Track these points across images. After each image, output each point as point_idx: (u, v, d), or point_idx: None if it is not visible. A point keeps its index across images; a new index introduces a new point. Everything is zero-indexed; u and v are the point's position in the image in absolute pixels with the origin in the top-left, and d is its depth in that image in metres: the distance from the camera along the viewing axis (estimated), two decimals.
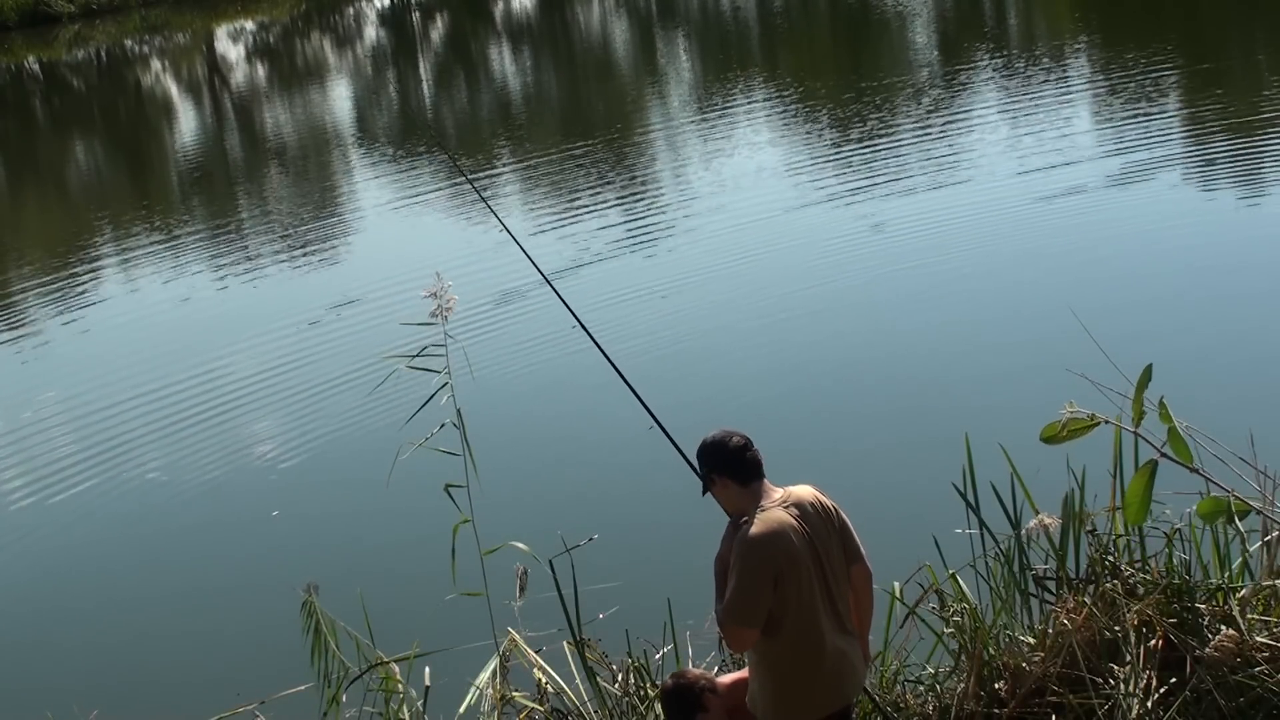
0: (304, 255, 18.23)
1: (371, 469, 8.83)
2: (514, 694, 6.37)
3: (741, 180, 18.79)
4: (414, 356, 6.15)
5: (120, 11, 55.91)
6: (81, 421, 12.73)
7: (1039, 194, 15.59)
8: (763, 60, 32.27)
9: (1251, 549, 5.81)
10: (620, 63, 36.43)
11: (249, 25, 54.18)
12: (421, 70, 40.18)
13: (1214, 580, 5.74)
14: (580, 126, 26.10)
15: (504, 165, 22.60)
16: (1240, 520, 4.95)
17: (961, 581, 6.12)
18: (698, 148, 22.01)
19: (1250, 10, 27.71)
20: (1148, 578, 5.76)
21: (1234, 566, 5.84)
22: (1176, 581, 5.67)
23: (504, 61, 38.35)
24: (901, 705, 5.92)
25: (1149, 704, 5.33)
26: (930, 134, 19.77)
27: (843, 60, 30.96)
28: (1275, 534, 5.64)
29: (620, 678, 6.35)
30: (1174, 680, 5.41)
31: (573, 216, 17.82)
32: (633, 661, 6.38)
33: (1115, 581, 5.74)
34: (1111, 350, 5.97)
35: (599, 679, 6.33)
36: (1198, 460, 4.68)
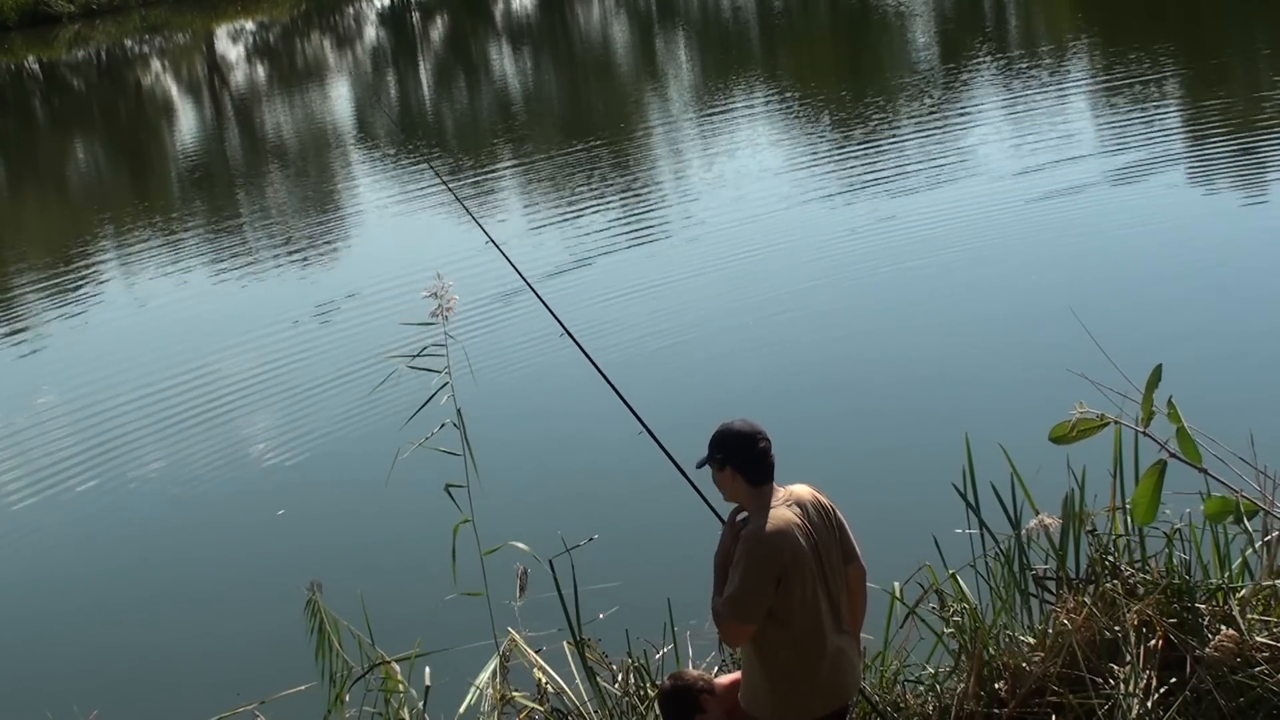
0: (303, 254, 18.22)
1: (372, 469, 8.83)
2: (514, 694, 6.37)
3: (741, 179, 18.79)
4: (415, 356, 6.15)
5: (120, 11, 55.90)
6: (81, 420, 12.73)
7: (1039, 193, 15.59)
8: (762, 60, 32.27)
9: (1255, 548, 5.81)
10: (620, 62, 36.43)
11: (249, 25, 54.18)
12: (421, 70, 40.18)
13: (1214, 580, 5.75)
14: (579, 126, 26.11)
15: (503, 164, 22.59)
16: (1248, 520, 4.94)
17: (961, 581, 6.12)
18: (697, 147, 22.02)
19: (1251, 9, 27.71)
20: (1148, 578, 5.77)
21: (1234, 566, 5.84)
22: (1176, 581, 5.67)
23: (504, 61, 38.34)
24: (901, 705, 5.92)
25: (1149, 704, 5.34)
26: (930, 133, 19.77)
27: (842, 60, 30.97)
28: (1275, 534, 5.64)
29: (620, 678, 6.35)
30: (1174, 680, 5.41)
31: (571, 215, 17.82)
32: (633, 661, 6.38)
33: (1115, 581, 5.74)
34: (1111, 350, 5.97)
35: (599, 679, 6.33)
36: (1201, 460, 4.67)
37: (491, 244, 6.48)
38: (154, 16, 55.84)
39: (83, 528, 10.73)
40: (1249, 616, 5.50)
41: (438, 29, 50.03)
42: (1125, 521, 5.97)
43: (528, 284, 6.38)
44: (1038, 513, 5.90)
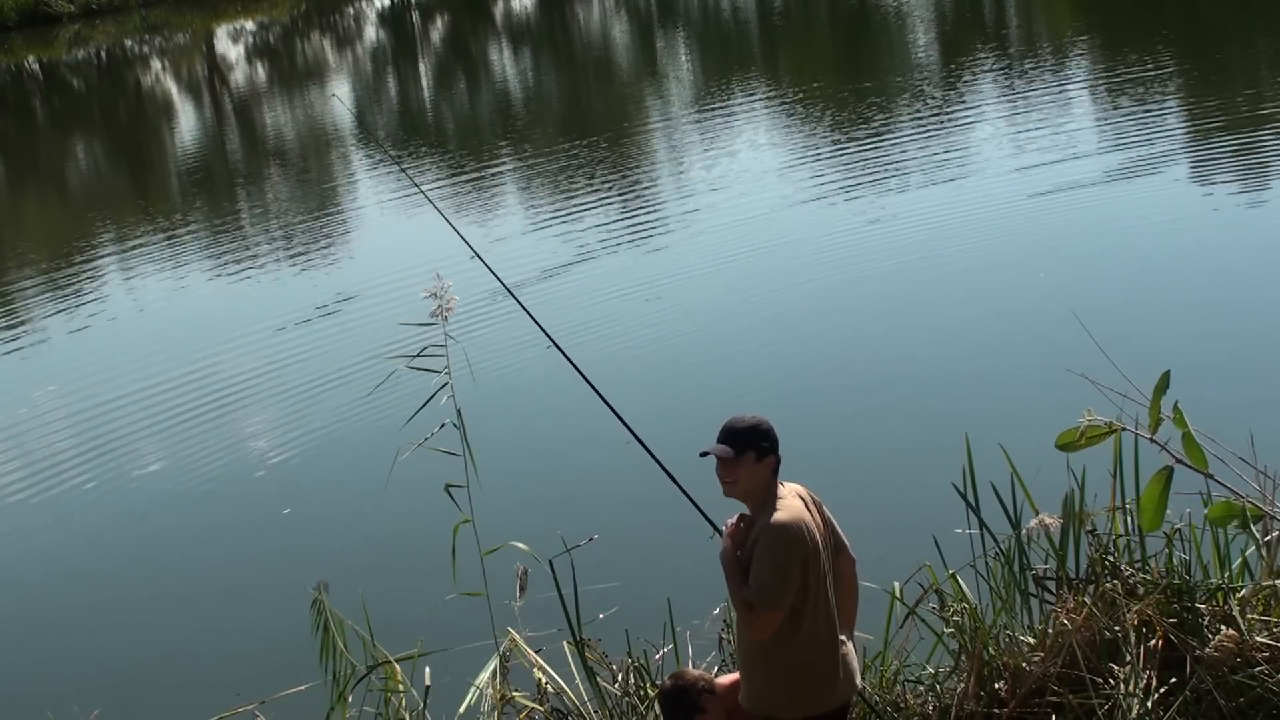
0: (303, 254, 18.22)
1: (372, 469, 8.84)
2: (514, 694, 6.37)
3: (740, 178, 18.79)
4: (414, 357, 6.15)
5: (120, 11, 55.90)
6: (82, 420, 12.73)
7: (1040, 193, 15.59)
8: (762, 60, 32.28)
9: (1251, 549, 5.81)
10: (619, 62, 36.43)
11: (249, 25, 54.18)
12: (421, 70, 40.18)
13: (1214, 580, 5.75)
14: (578, 125, 26.11)
15: (502, 164, 22.60)
16: (1253, 525, 4.95)
17: (961, 581, 6.12)
18: (696, 146, 22.02)
19: (1252, 7, 27.70)
20: (1148, 578, 5.77)
21: (1234, 566, 5.84)
22: (1176, 581, 5.67)
23: (504, 61, 38.34)
24: (901, 705, 5.92)
25: (1149, 704, 5.34)
26: (930, 132, 19.78)
27: (842, 59, 30.97)
28: (1275, 534, 5.64)
29: (620, 678, 6.35)
30: (1174, 680, 5.41)
31: (570, 215, 17.81)
32: (633, 661, 6.38)
33: (1115, 581, 5.74)
34: (1111, 350, 5.97)
35: (599, 679, 6.33)
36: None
37: (476, 257, 6.39)
38: (154, 16, 55.84)
39: (83, 527, 10.73)
40: (1249, 616, 5.50)
41: (438, 29, 50.03)
42: (1125, 522, 5.97)
43: (511, 294, 6.28)
44: (1038, 513, 5.90)
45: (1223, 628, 5.48)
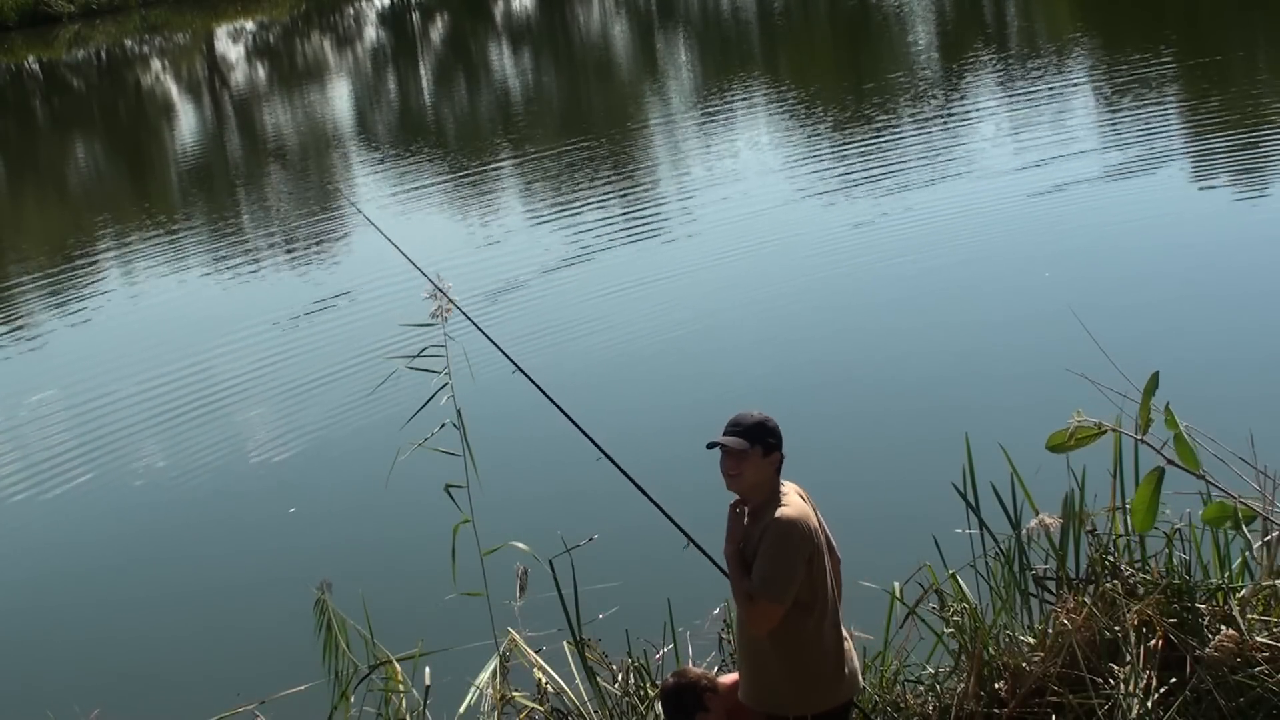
0: (303, 253, 18.22)
1: (372, 469, 8.83)
2: (514, 694, 6.37)
3: (739, 177, 18.80)
4: (414, 357, 6.15)
5: (120, 11, 55.87)
6: (82, 419, 12.73)
7: (1039, 193, 15.59)
8: (762, 60, 32.27)
9: (1253, 549, 5.81)
10: (619, 63, 36.43)
11: (249, 25, 54.17)
12: (421, 70, 40.18)
13: (1214, 580, 5.75)
14: (577, 125, 26.10)
15: (501, 163, 22.59)
16: (1246, 526, 4.95)
17: (961, 581, 6.12)
18: (695, 146, 22.02)
19: (1252, 6, 27.70)
20: (1148, 578, 5.77)
21: (1234, 566, 5.84)
22: (1176, 582, 5.67)
23: (503, 61, 38.34)
24: (901, 705, 5.92)
25: (1149, 704, 5.34)
26: (930, 131, 19.77)
27: (842, 59, 30.96)
28: (1275, 534, 5.64)
29: (620, 678, 6.35)
30: (1174, 680, 5.41)
31: (568, 214, 17.81)
32: (633, 661, 6.38)
33: (1115, 581, 5.74)
34: (1111, 350, 5.97)
35: (599, 679, 6.33)
36: (1199, 463, 4.68)
37: (430, 282, 6.30)
38: (154, 16, 55.82)
39: (83, 526, 10.73)
40: (1249, 616, 5.50)
41: (438, 29, 50.03)
42: (1125, 522, 5.97)
43: (470, 319, 6.18)
44: (1038, 513, 5.90)
45: (1223, 628, 5.48)
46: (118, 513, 10.92)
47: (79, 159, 32.32)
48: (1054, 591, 6.00)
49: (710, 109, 25.31)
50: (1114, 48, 24.89)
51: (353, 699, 6.32)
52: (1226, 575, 5.78)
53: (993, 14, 33.89)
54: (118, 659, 8.78)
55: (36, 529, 10.85)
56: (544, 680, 6.40)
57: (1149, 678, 5.41)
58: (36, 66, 48.19)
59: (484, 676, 6.38)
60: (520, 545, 6.43)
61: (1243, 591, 5.66)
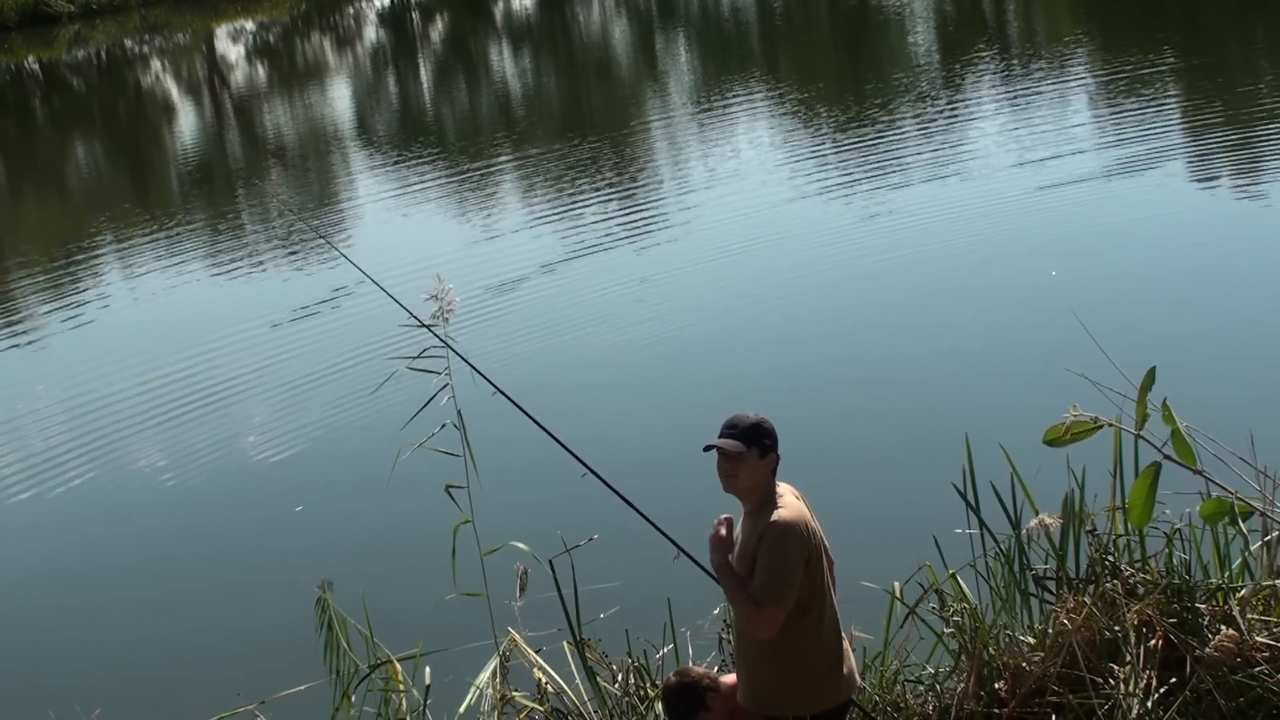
0: (302, 253, 18.21)
1: (372, 469, 8.83)
2: (514, 694, 6.38)
3: (738, 175, 18.81)
4: (415, 357, 6.15)
5: (120, 11, 55.84)
6: (82, 418, 12.73)
7: (1039, 192, 15.59)
8: (762, 60, 32.27)
9: (1251, 549, 5.81)
10: (619, 63, 36.42)
11: (249, 25, 54.15)
12: (421, 70, 40.18)
13: (1214, 580, 5.75)
14: (577, 124, 26.11)
15: (501, 162, 22.59)
16: (1243, 522, 4.95)
17: (961, 581, 6.12)
18: (695, 146, 22.02)
19: (1252, 6, 27.70)
20: (1148, 578, 5.77)
21: (1234, 566, 5.84)
22: (1176, 581, 5.67)
23: (503, 61, 38.34)
24: (901, 705, 5.92)
25: (1149, 704, 5.34)
26: (929, 130, 19.77)
27: (842, 59, 30.96)
28: (1275, 534, 5.64)
29: (620, 678, 6.36)
30: (1174, 680, 5.41)
31: (567, 212, 17.82)
32: (633, 661, 6.38)
33: (1115, 581, 5.74)
34: (1111, 349, 5.97)
35: (599, 679, 6.33)
36: (1198, 461, 4.67)
37: (401, 306, 6.28)
38: (154, 16, 55.79)
39: (83, 526, 10.73)
40: (1249, 616, 5.51)
41: (438, 29, 50.02)
42: (1125, 521, 5.97)
43: (446, 342, 6.16)
44: (1038, 513, 5.90)
45: (1223, 628, 5.49)
46: (118, 513, 10.92)
47: (79, 159, 32.32)
48: (1054, 591, 6.01)
49: (710, 109, 25.31)
50: (1114, 47, 24.90)
51: (353, 698, 6.32)
52: (1226, 575, 5.78)
53: (993, 14, 33.88)
54: (118, 659, 8.78)
55: (37, 529, 10.85)
56: (544, 680, 6.40)
57: (1149, 678, 5.41)
58: (36, 66, 48.17)
59: (484, 676, 6.38)
60: (520, 545, 6.43)
61: (1243, 591, 5.66)
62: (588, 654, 6.35)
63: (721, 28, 38.93)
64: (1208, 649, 5.40)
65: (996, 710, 5.70)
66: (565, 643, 6.48)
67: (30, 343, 15.84)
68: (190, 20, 55.04)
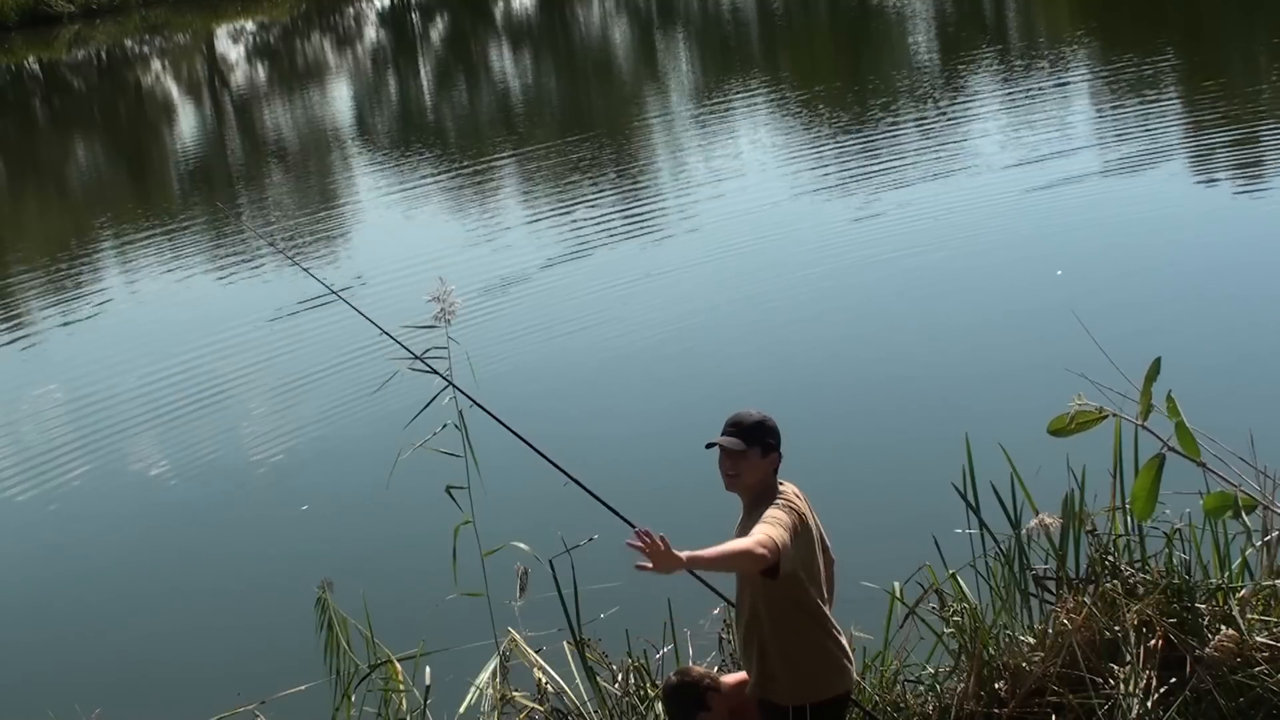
0: (302, 253, 18.21)
1: (373, 469, 8.83)
2: (514, 694, 6.38)
3: (736, 174, 18.82)
4: (416, 358, 6.15)
5: (120, 11, 55.83)
6: (83, 417, 12.73)
7: (1039, 191, 15.59)
8: (762, 60, 32.26)
9: (1255, 545, 5.81)
10: (619, 63, 36.42)
11: (249, 25, 54.15)
12: (421, 70, 40.17)
13: (1214, 580, 5.75)
14: (576, 124, 26.10)
15: (500, 161, 22.59)
16: (1246, 515, 4.93)
17: (961, 581, 6.13)
18: (695, 146, 22.02)
19: (1253, 6, 27.70)
20: (1148, 578, 5.77)
21: (1234, 566, 5.85)
22: (1176, 581, 5.68)
23: (503, 61, 38.34)
24: (901, 705, 5.92)
25: (1149, 704, 5.34)
26: (929, 130, 19.77)
27: (842, 59, 30.96)
28: (1275, 534, 5.64)
29: (620, 678, 6.36)
30: (1174, 680, 5.41)
31: (566, 211, 17.82)
32: (633, 661, 6.38)
33: (1115, 581, 5.75)
34: (1111, 349, 5.96)
35: (599, 679, 6.33)
36: (1201, 455, 4.67)
37: (386, 333, 6.27)
38: (154, 16, 55.78)
39: (83, 526, 10.73)
40: (1249, 616, 5.51)
41: (438, 29, 50.03)
42: (1125, 521, 5.98)
43: (421, 359, 6.14)
44: (1038, 513, 5.91)
45: (1223, 628, 5.49)
46: (118, 512, 10.92)
47: (79, 159, 32.32)
48: (1054, 591, 6.01)
49: (710, 108, 25.31)
50: (1115, 46, 24.90)
51: (353, 698, 6.32)
52: (1226, 575, 5.79)
53: (993, 14, 33.88)
54: (119, 659, 8.78)
55: (36, 529, 10.85)
56: (544, 680, 6.41)
57: (1149, 678, 5.41)
58: (36, 66, 48.16)
59: (484, 676, 6.38)
60: (521, 545, 6.43)
61: (1243, 591, 5.66)
62: (588, 654, 6.35)
63: (721, 27, 38.93)
64: (1208, 649, 5.40)
65: (996, 710, 5.70)
66: (565, 643, 6.48)
67: (31, 342, 15.84)
68: (190, 20, 55.03)
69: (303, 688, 6.52)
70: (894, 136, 19.75)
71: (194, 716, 6.83)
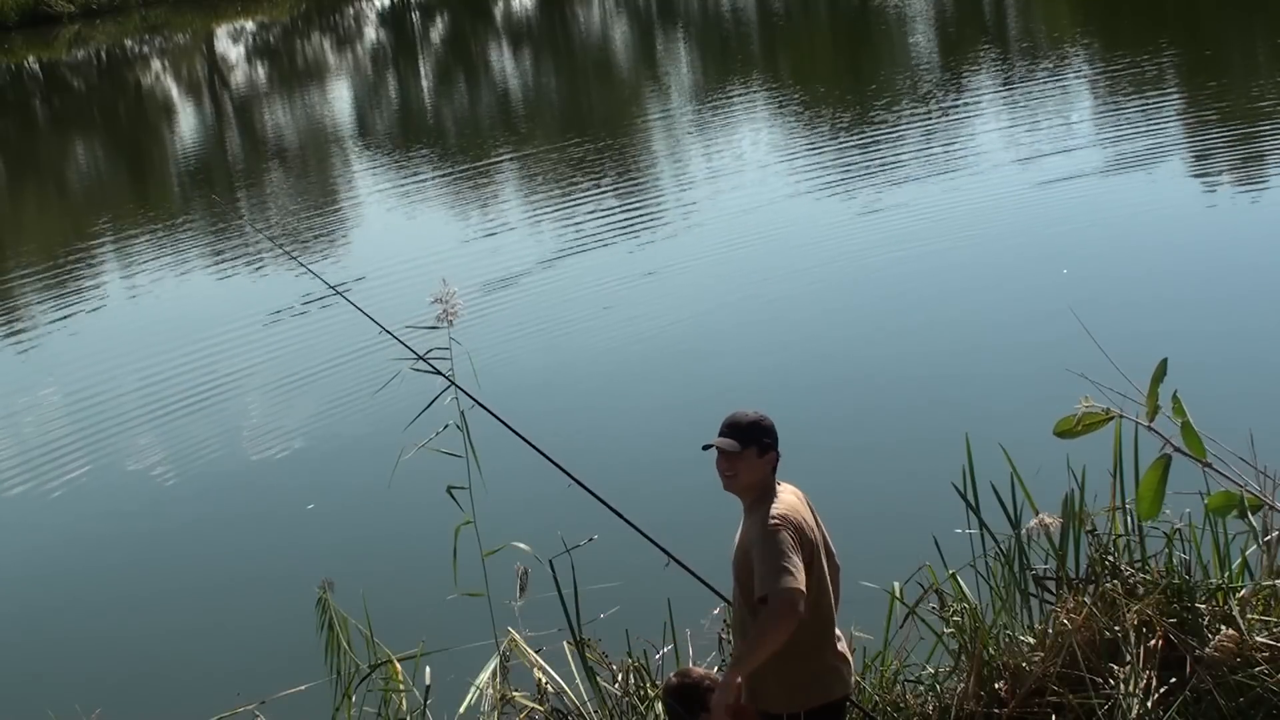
0: (303, 253, 18.21)
1: (374, 470, 8.83)
2: (514, 694, 6.38)
3: (738, 174, 18.82)
4: (419, 358, 6.15)
5: (120, 11, 55.81)
6: (83, 416, 12.73)
7: (1039, 191, 15.59)
8: (762, 60, 32.26)
9: (1251, 549, 5.82)
10: (619, 63, 36.42)
11: (249, 25, 54.14)
12: (421, 70, 40.17)
13: (1214, 580, 5.76)
14: (576, 124, 26.10)
15: (500, 161, 22.59)
16: (1251, 515, 4.93)
17: (961, 581, 6.13)
18: (695, 145, 22.02)
19: (1254, 7, 27.70)
20: (1148, 578, 5.78)
21: (1234, 566, 5.85)
22: (1176, 581, 5.68)
23: (503, 61, 38.34)
24: (901, 705, 5.93)
25: (1149, 704, 5.34)
26: (929, 130, 19.77)
27: (842, 59, 30.96)
28: (1275, 534, 5.65)
29: (620, 678, 6.36)
30: (1174, 680, 5.42)
31: (565, 211, 17.82)
32: (633, 661, 6.38)
33: (1115, 581, 5.75)
34: (1111, 349, 5.96)
35: (599, 679, 6.33)
36: (1206, 455, 4.66)
37: (387, 332, 6.28)
38: (154, 16, 55.77)
39: (83, 526, 10.73)
40: (1249, 616, 5.51)
41: (438, 29, 50.02)
42: (1125, 521, 5.98)
43: (423, 357, 6.14)
44: (1038, 513, 5.91)
45: (1223, 628, 5.49)
46: (118, 512, 10.92)
47: (79, 159, 32.31)
48: (1054, 591, 6.01)
49: (710, 108, 25.31)
50: (1115, 45, 24.89)
51: (353, 698, 6.32)
52: (1226, 575, 5.79)
53: (993, 13, 33.88)
54: (119, 659, 8.78)
55: (36, 528, 10.85)
56: (544, 680, 6.41)
57: (1149, 678, 5.42)
58: (36, 66, 48.15)
59: (484, 676, 6.38)
60: (521, 545, 6.43)
61: (1243, 591, 5.67)
62: (588, 654, 6.35)
63: (721, 27, 38.93)
64: (1208, 649, 5.40)
65: (996, 710, 5.70)
66: (565, 643, 6.48)
67: (31, 342, 15.83)
68: (190, 20, 55.02)
69: (303, 688, 6.53)
70: (894, 136, 19.75)
71: (194, 716, 6.84)
